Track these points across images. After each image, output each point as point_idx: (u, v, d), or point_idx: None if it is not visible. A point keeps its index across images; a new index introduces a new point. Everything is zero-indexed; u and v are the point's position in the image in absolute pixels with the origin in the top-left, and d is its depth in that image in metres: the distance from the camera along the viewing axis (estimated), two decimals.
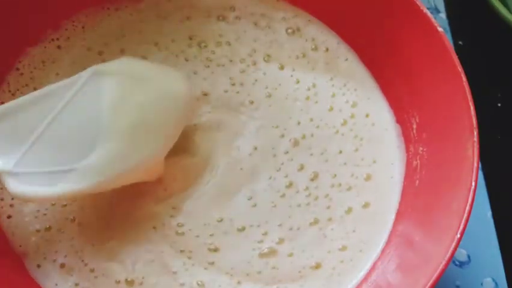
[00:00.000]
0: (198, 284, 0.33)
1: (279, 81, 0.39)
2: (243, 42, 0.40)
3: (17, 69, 0.38)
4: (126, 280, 0.33)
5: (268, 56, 0.40)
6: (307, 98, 0.39)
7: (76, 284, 0.33)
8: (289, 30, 0.41)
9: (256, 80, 0.39)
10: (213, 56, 0.40)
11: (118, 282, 0.33)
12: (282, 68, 0.40)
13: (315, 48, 0.41)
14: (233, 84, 0.39)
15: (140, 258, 0.34)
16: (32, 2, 0.37)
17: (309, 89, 0.39)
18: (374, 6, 0.38)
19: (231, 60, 0.40)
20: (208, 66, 0.39)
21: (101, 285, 0.33)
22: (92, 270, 0.33)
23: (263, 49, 0.40)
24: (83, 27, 0.40)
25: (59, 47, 0.39)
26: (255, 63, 0.40)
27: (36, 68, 0.38)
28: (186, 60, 0.39)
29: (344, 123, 0.38)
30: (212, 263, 0.34)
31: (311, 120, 0.38)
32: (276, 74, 0.40)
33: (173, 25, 0.40)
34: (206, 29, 0.41)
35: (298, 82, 0.39)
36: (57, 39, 0.39)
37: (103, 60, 0.39)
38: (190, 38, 0.40)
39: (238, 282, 0.34)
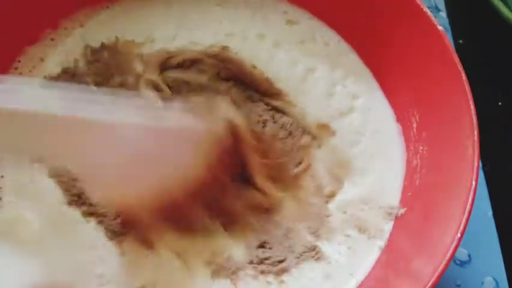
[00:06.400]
0: None
1: (274, 62, 0.39)
2: (235, 22, 0.40)
3: (16, 68, 0.38)
4: None
5: (262, 35, 0.39)
6: (304, 79, 0.38)
7: None
8: (289, 24, 0.40)
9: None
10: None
11: None
12: (276, 46, 0.39)
13: (315, 41, 0.40)
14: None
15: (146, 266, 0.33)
16: (30, 2, 0.37)
17: (307, 73, 0.39)
18: (374, 6, 0.37)
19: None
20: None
21: None
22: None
23: (257, 30, 0.39)
24: (81, 26, 0.39)
25: (57, 46, 0.39)
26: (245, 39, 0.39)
27: (35, 67, 0.38)
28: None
29: (343, 114, 0.38)
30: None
31: (309, 106, 0.38)
32: (270, 53, 0.39)
33: (171, 19, 0.40)
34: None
35: (295, 64, 0.39)
36: (56, 38, 0.39)
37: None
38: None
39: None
